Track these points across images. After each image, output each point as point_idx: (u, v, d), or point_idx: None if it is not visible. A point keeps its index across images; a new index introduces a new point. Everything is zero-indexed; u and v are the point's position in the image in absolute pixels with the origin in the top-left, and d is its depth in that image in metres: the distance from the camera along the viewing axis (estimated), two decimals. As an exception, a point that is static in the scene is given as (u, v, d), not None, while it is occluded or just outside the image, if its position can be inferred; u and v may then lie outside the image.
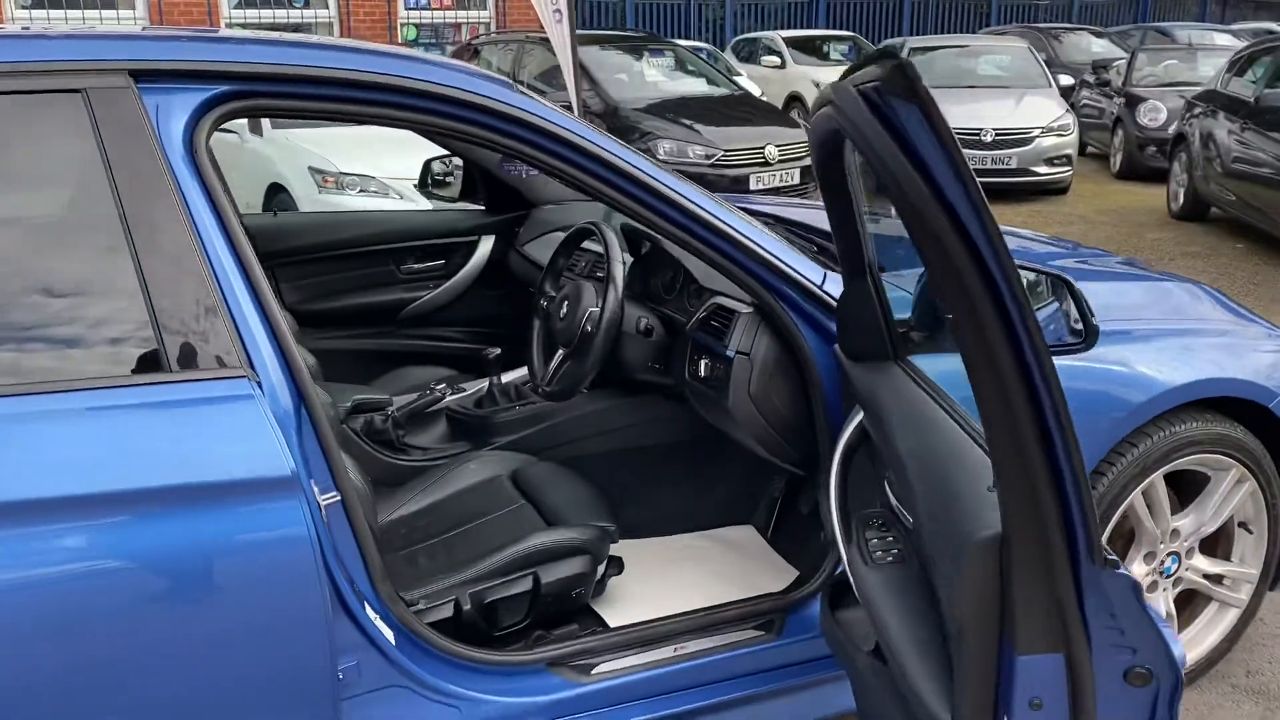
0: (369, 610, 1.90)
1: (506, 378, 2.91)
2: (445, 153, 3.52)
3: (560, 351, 2.49)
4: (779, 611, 2.31)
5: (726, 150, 8.33)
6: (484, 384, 2.93)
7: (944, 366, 1.86)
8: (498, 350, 2.83)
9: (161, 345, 1.69)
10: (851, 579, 1.71)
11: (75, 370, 1.68)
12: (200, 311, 1.73)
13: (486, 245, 3.52)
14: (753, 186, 8.36)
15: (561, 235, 3.18)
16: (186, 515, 1.65)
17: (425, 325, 3.54)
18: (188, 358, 1.71)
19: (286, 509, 1.71)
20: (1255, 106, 7.97)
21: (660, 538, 2.82)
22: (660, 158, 8.16)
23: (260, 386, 1.72)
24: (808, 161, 8.68)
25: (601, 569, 2.36)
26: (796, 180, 8.65)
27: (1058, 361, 1.18)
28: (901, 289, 2.06)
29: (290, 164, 6.34)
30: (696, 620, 2.25)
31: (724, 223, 2.08)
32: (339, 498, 1.84)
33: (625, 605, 2.43)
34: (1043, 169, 10.05)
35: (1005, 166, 9.95)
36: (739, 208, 2.23)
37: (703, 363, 2.33)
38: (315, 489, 1.77)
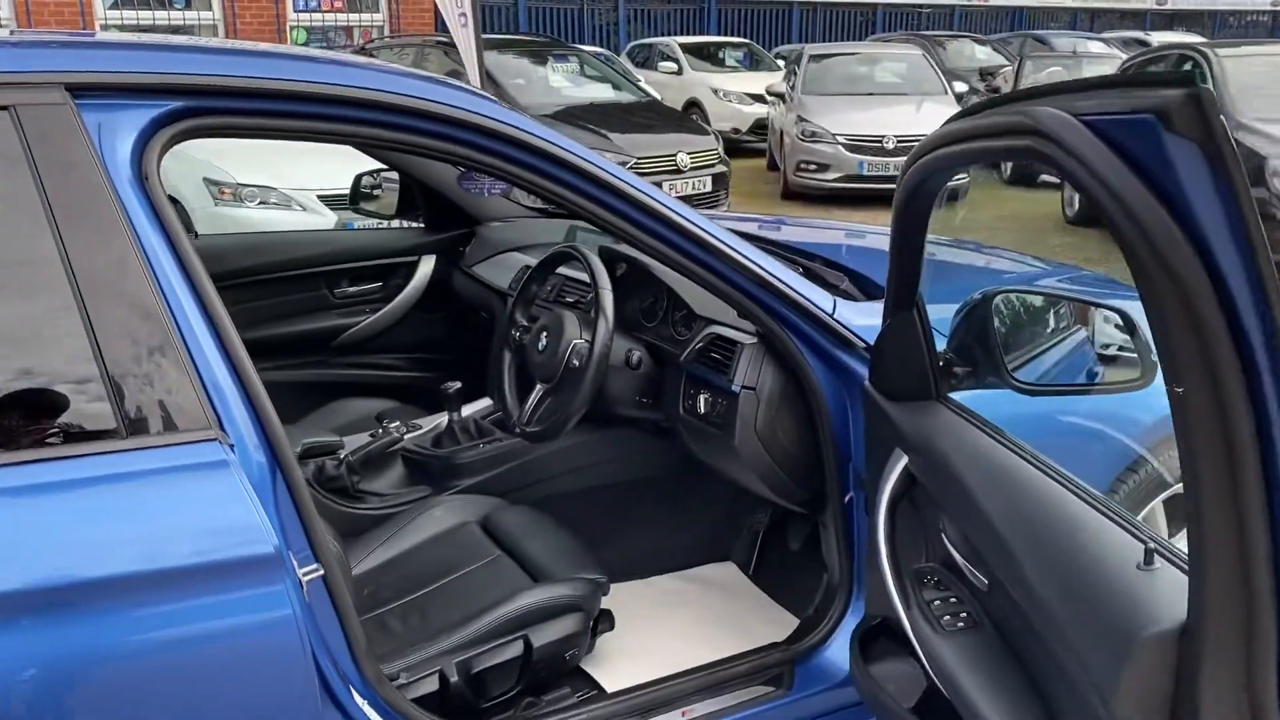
0: (356, 696, 1.67)
1: (466, 411, 2.68)
2: (380, 165, 3.26)
3: (539, 387, 2.27)
4: (787, 663, 2.15)
5: (638, 158, 8.17)
6: (441, 419, 2.69)
7: (987, 403, 1.73)
8: (458, 384, 2.60)
9: (116, 406, 1.43)
10: (916, 645, 1.55)
11: (7, 441, 1.41)
12: (159, 363, 1.47)
13: (427, 266, 3.27)
14: (664, 195, 8.20)
15: (519, 256, 2.97)
16: (151, 606, 1.40)
17: (362, 353, 3.27)
18: (146, 420, 1.45)
19: (269, 592, 1.47)
20: (1151, 114, 8.18)
21: (638, 581, 2.63)
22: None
23: (233, 449, 1.48)
24: (719, 169, 8.60)
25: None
26: (709, 188, 8.54)
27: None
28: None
29: (183, 174, 5.92)
30: (701, 680, 2.07)
31: (730, 247, 1.91)
32: (321, 571, 1.60)
33: (617, 664, 2.23)
34: (943, 175, 10.16)
35: (908, 173, 10.03)
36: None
37: (702, 398, 2.15)
38: (294, 562, 1.54)
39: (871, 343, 1.99)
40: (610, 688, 2.13)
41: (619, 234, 1.88)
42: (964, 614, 1.52)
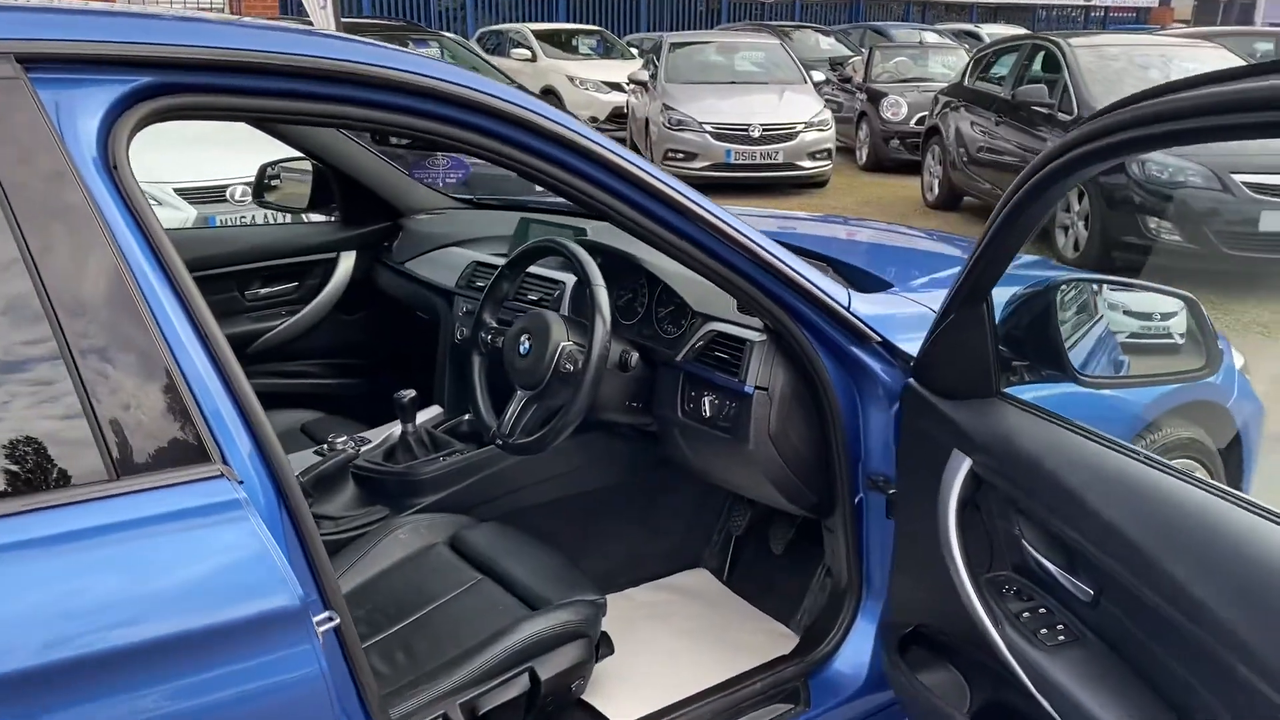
0: None
1: (420, 418, 2.45)
2: (290, 154, 2.97)
3: (521, 394, 2.07)
4: (800, 678, 2.03)
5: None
6: (389, 431, 2.46)
7: (1051, 398, 1.64)
8: (411, 392, 2.37)
9: (101, 441, 1.19)
10: (1013, 662, 1.44)
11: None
12: (148, 386, 1.23)
13: (348, 263, 3.01)
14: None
15: (462, 252, 2.75)
16: (159, 683, 1.16)
17: (279, 360, 2.98)
18: (139, 456, 1.21)
19: (295, 652, 1.26)
20: (1011, 102, 8.45)
21: (613, 595, 2.46)
22: (440, 155, 7.66)
23: (242, 485, 1.25)
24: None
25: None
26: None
27: None
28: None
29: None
30: (716, 704, 1.93)
31: (744, 235, 1.77)
32: (337, 620, 1.39)
33: (617, 691, 2.07)
34: (806, 163, 10.28)
35: (773, 161, 10.12)
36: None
37: (706, 400, 2.00)
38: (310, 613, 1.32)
39: (884, 337, 1.89)
40: (617, 719, 1.96)
41: (620, 220, 1.71)
42: (1059, 626, 1.42)
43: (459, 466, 2.31)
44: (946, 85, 10.42)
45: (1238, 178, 6.60)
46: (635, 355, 2.05)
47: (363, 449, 2.38)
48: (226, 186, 5.88)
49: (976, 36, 17.51)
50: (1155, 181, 6.79)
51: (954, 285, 1.56)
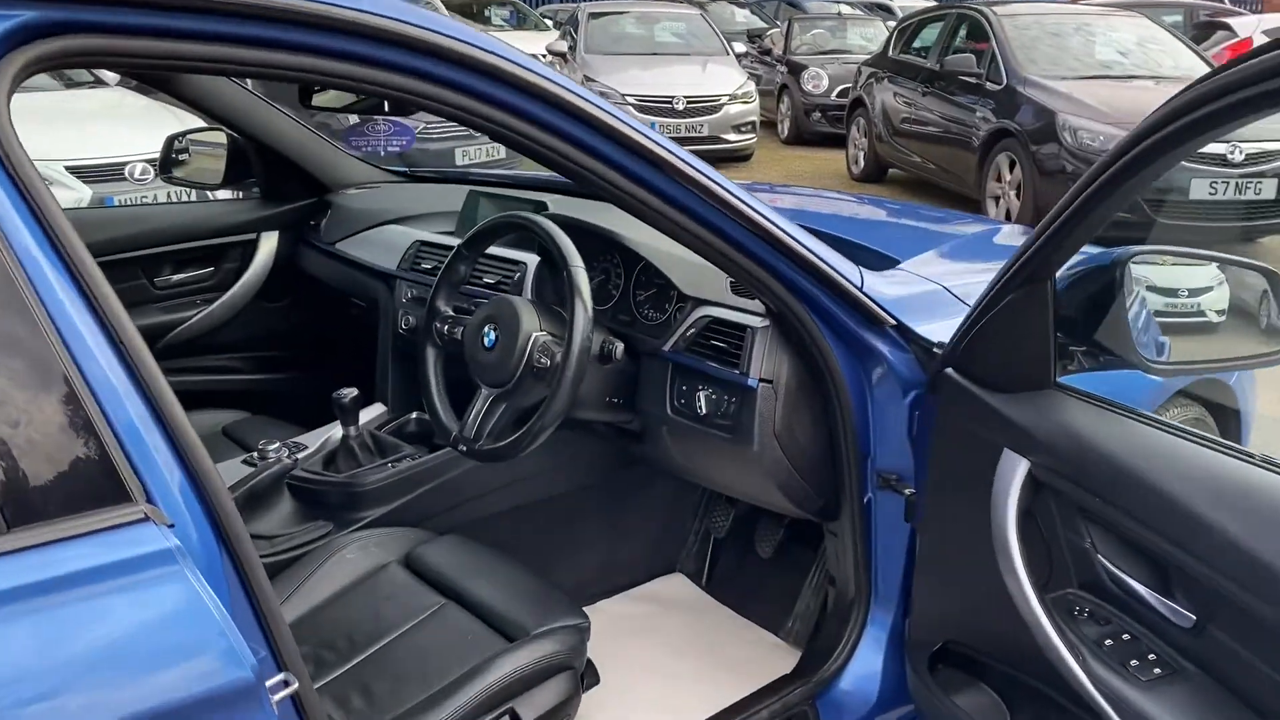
0: None
1: (363, 418, 2.17)
2: (200, 124, 2.65)
3: (487, 392, 1.81)
4: (808, 700, 1.82)
5: (427, 122, 7.55)
6: (327, 434, 2.18)
7: (1108, 388, 1.44)
8: (353, 391, 2.09)
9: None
10: (1100, 700, 1.24)
11: None
12: (47, 405, 0.96)
13: (270, 244, 2.69)
14: (459, 160, 7.66)
15: (402, 230, 2.46)
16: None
17: (195, 355, 2.66)
18: (43, 498, 0.93)
19: (250, 736, 1.00)
20: (938, 72, 8.35)
21: (587, 609, 2.23)
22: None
23: (173, 529, 0.98)
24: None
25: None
26: (501, 154, 8.03)
27: None
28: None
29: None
30: None
31: (750, 207, 1.53)
32: (295, 686, 1.12)
33: (608, 722, 1.84)
34: (731, 136, 10.05)
35: (698, 134, 9.84)
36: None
37: (701, 395, 1.76)
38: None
39: (900, 320, 1.68)
40: (610, 757, 1.74)
41: (610, 190, 1.46)
42: (1151, 656, 1.23)
43: (410, 474, 2.05)
44: (868, 57, 10.29)
45: (1169, 146, 6.58)
46: (619, 346, 1.80)
47: (299, 456, 2.10)
48: (125, 164, 5.45)
49: (889, 10, 17.48)
50: (1088, 150, 6.74)
51: (1010, 264, 1.35)
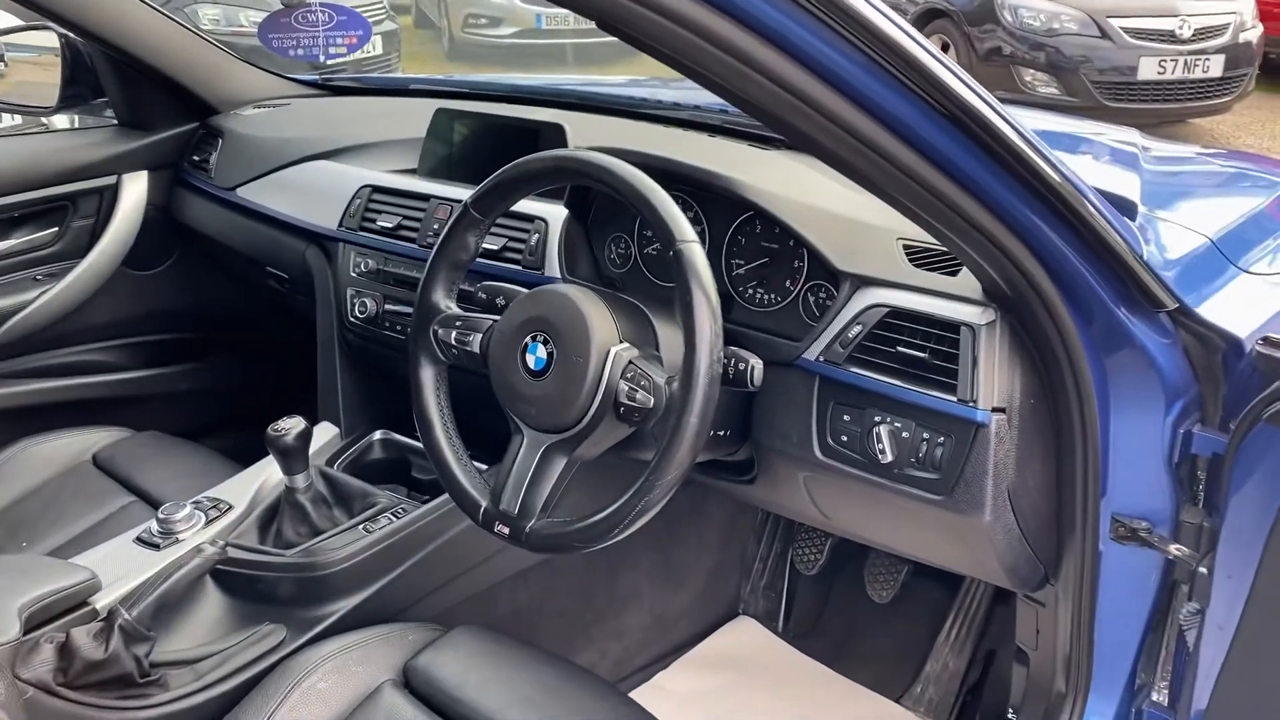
0: None
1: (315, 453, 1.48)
2: (18, 23, 1.84)
3: (531, 439, 1.14)
4: None
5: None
6: (259, 479, 1.48)
7: None
8: (299, 424, 1.38)
9: None
10: None
11: None
12: None
13: (136, 189, 1.92)
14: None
15: (344, 170, 1.73)
16: None
17: (43, 349, 1.90)
18: None
19: None
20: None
21: (660, 673, 1.64)
22: (204, 27, 6.26)
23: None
24: (388, 25, 7.17)
25: None
26: (378, 50, 7.06)
27: None
28: None
29: None
30: None
31: (1029, 142, 0.90)
32: None
33: None
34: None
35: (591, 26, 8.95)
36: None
37: (882, 431, 1.12)
38: None
39: (1184, 301, 1.09)
40: None
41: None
42: None
43: (393, 540, 1.37)
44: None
45: (1116, 22, 6.12)
46: (756, 364, 1.13)
47: (226, 539, 1.40)
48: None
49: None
50: (1028, 30, 6.25)
51: None
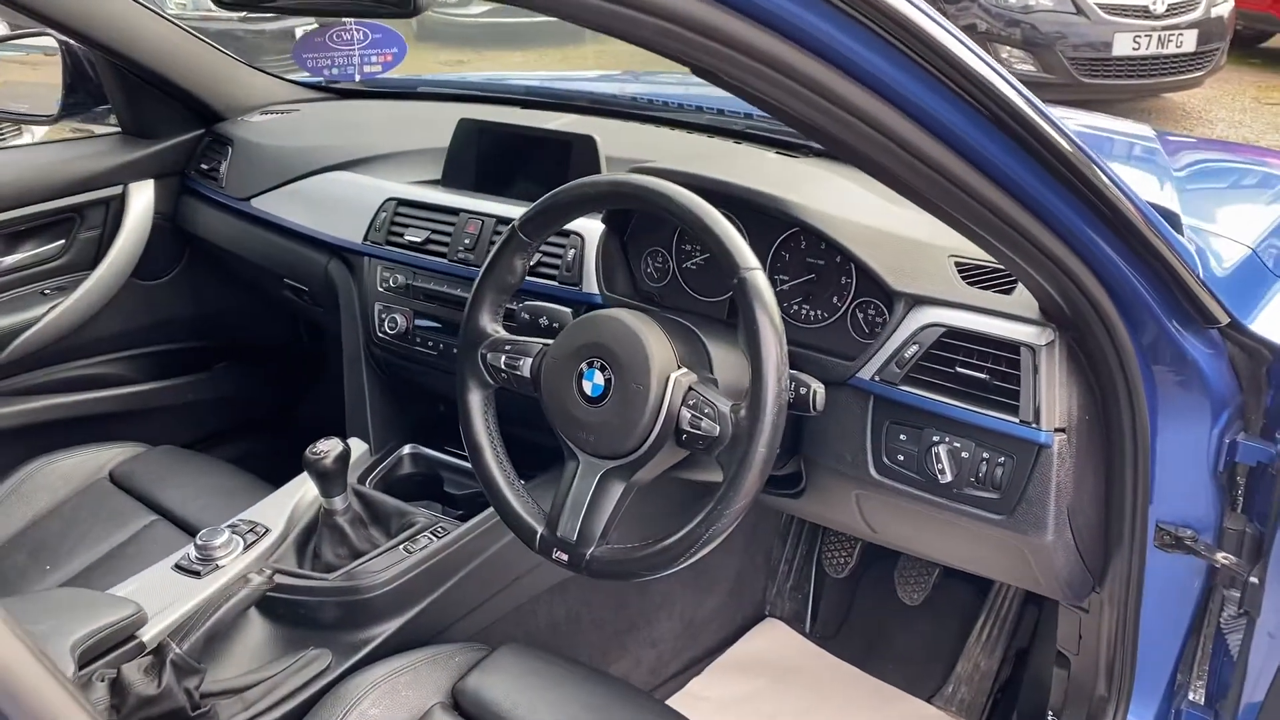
0: None
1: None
2: (18, 30, 1.79)
3: (586, 465, 1.13)
4: None
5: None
6: (294, 498, 1.47)
7: None
8: (337, 446, 1.37)
9: None
10: None
11: None
12: None
13: (143, 198, 1.88)
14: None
15: (365, 181, 1.70)
16: None
17: (51, 366, 1.87)
18: None
19: None
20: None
21: (693, 679, 1.64)
22: (171, 11, 6.13)
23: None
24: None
25: None
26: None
27: None
28: None
29: None
30: None
31: (1090, 158, 0.91)
32: None
33: None
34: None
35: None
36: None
37: (941, 451, 1.12)
38: None
39: (1235, 316, 1.11)
40: None
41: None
42: None
43: (435, 561, 1.37)
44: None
45: (1091, -2, 6.15)
46: (819, 389, 1.13)
47: (262, 548, 1.38)
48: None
49: None
50: (1004, 7, 6.25)
51: None
